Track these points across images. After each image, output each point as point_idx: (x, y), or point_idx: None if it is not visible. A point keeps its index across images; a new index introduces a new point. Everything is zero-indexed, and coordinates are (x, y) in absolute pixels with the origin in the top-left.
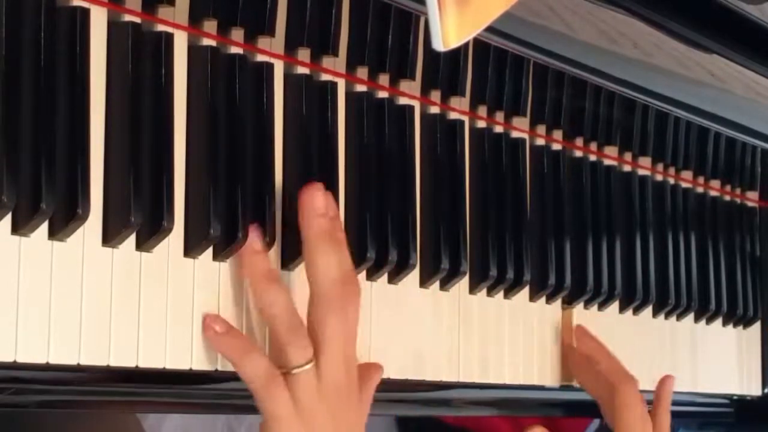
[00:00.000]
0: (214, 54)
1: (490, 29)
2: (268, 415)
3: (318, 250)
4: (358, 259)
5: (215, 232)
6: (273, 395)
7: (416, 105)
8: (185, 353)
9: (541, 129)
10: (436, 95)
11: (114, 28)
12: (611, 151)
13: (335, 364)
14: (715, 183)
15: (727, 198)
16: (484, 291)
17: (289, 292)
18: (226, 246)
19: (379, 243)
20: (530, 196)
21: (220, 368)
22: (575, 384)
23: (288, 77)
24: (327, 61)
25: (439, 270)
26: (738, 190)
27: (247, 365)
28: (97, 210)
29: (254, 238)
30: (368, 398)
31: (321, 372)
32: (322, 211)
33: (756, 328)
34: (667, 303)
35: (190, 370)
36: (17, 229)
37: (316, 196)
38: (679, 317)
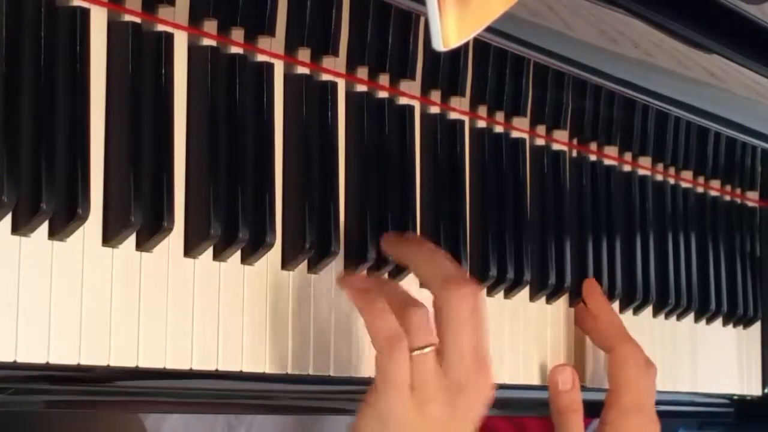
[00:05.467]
0: (214, 54)
1: (490, 29)
2: (385, 378)
3: (431, 254)
4: (358, 259)
5: (215, 232)
6: (396, 358)
7: (416, 105)
8: (185, 353)
9: (541, 129)
10: (436, 95)
11: (114, 28)
12: (611, 151)
13: (460, 355)
14: (715, 183)
15: (727, 198)
16: (484, 291)
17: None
18: (226, 246)
19: (380, 243)
20: (530, 195)
21: (220, 368)
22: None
23: (288, 77)
24: (327, 61)
25: None
26: (738, 190)
27: (376, 323)
28: (97, 210)
29: (355, 278)
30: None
31: (444, 361)
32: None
33: (756, 328)
34: (667, 303)
35: (190, 370)
36: (17, 229)
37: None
38: (679, 317)
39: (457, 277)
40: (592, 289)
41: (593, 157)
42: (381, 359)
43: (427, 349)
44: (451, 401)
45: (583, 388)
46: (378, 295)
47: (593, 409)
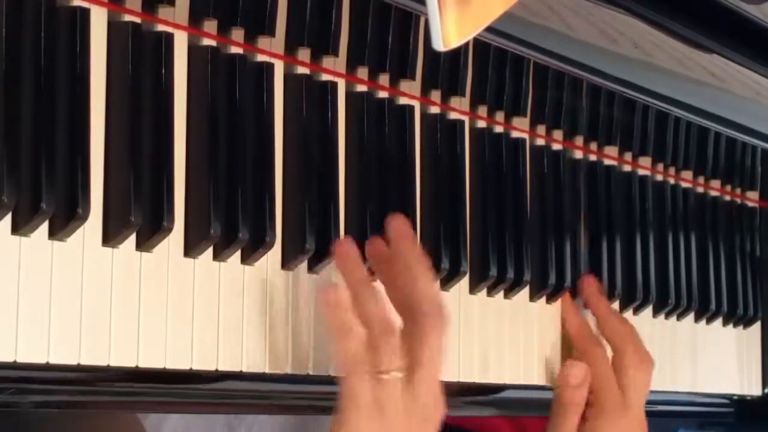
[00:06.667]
0: (214, 54)
1: (490, 29)
2: (348, 397)
3: (421, 272)
4: None
5: (215, 232)
6: (359, 380)
7: (416, 105)
8: (185, 353)
9: (541, 129)
10: (436, 95)
11: (114, 28)
12: (611, 151)
13: (429, 385)
14: (715, 183)
15: (727, 198)
16: (484, 291)
17: (382, 300)
18: (226, 246)
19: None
20: (530, 196)
21: (220, 368)
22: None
23: (288, 77)
24: (327, 61)
25: (439, 270)
26: (738, 190)
27: (345, 343)
28: (97, 210)
29: (352, 248)
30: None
31: (413, 388)
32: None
33: (756, 328)
34: (667, 303)
35: (190, 370)
36: (17, 229)
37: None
38: (680, 317)
39: (440, 307)
40: (565, 299)
41: (593, 157)
42: (345, 380)
43: (398, 373)
44: (418, 427)
45: None
46: (354, 308)
47: None
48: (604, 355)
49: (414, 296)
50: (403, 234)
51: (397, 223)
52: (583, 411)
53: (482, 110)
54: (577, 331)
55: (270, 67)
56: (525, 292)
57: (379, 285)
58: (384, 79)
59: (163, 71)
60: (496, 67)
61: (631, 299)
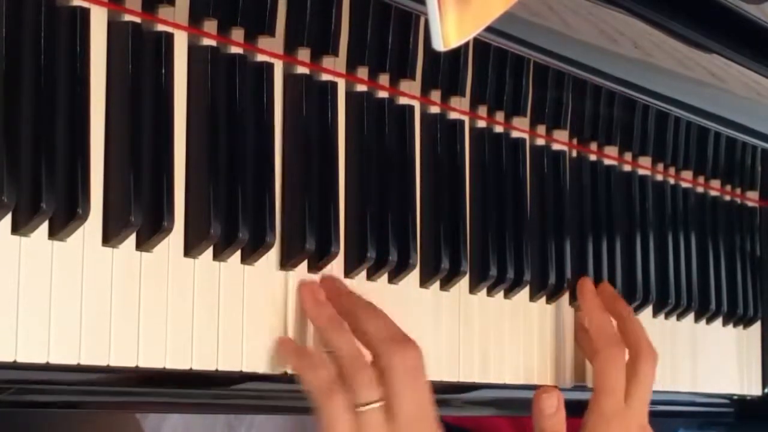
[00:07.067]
0: (214, 54)
1: (490, 29)
2: (332, 428)
3: (372, 316)
4: (358, 259)
5: (215, 232)
6: (338, 406)
7: (416, 105)
8: (185, 353)
9: (541, 129)
10: (436, 95)
11: (114, 28)
12: (611, 151)
13: (405, 403)
14: (715, 183)
15: (727, 198)
16: (485, 291)
17: (351, 335)
18: (226, 246)
19: (379, 243)
20: (530, 196)
21: (220, 368)
22: (573, 384)
23: (288, 77)
24: (327, 61)
25: (439, 270)
26: (738, 190)
27: (308, 374)
28: (97, 210)
29: (315, 290)
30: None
31: (393, 411)
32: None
33: (756, 328)
34: (667, 303)
35: (190, 370)
36: (17, 229)
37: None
38: (680, 317)
39: (400, 335)
40: (584, 290)
41: (593, 157)
42: (323, 411)
43: (375, 405)
44: None
45: (583, 389)
46: (324, 345)
47: None
48: (623, 357)
49: (369, 337)
50: (339, 292)
51: (327, 284)
52: (585, 415)
53: (482, 110)
54: (599, 328)
55: (270, 67)
56: (525, 292)
57: None
58: (384, 79)
59: (163, 71)
60: (496, 67)
61: (631, 299)
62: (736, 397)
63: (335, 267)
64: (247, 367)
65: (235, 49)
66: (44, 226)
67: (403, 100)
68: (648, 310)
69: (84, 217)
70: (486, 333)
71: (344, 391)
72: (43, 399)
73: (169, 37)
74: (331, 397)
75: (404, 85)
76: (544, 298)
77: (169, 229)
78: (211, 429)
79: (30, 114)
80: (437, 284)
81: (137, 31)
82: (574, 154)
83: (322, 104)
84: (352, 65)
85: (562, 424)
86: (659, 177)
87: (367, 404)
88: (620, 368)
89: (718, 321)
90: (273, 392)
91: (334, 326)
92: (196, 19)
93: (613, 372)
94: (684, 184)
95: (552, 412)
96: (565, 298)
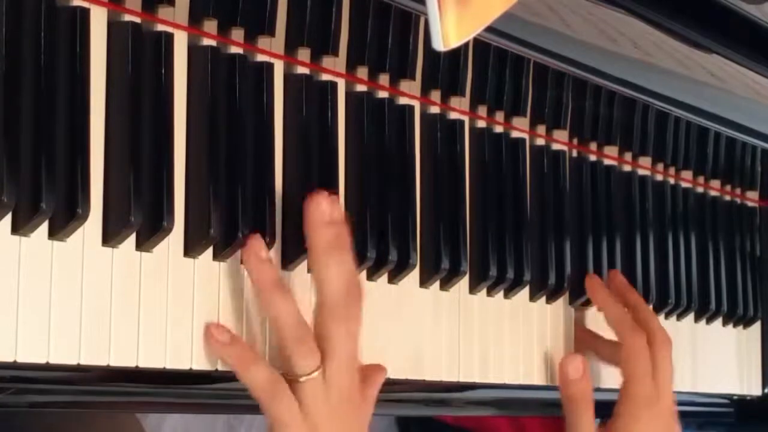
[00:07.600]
0: (214, 54)
1: (490, 29)
2: (275, 422)
3: (322, 261)
4: (358, 259)
5: (215, 232)
6: (278, 403)
7: (416, 105)
8: (185, 353)
9: (541, 129)
10: (436, 95)
11: (114, 28)
12: (611, 151)
13: (341, 371)
14: (715, 183)
15: (727, 198)
16: (484, 291)
17: (294, 300)
18: (226, 246)
19: (379, 243)
20: (530, 196)
21: (220, 368)
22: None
23: (288, 77)
24: (327, 61)
25: (439, 270)
26: (738, 190)
27: (250, 375)
28: (97, 210)
29: (258, 246)
30: (372, 400)
31: (327, 379)
32: (327, 219)
33: (756, 328)
34: (667, 303)
35: (190, 370)
36: (17, 229)
37: (321, 203)
38: (679, 317)
39: (339, 291)
40: (594, 286)
41: (593, 157)
42: (266, 409)
43: (315, 373)
44: (347, 414)
45: None
46: (265, 313)
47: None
48: (645, 344)
49: (318, 287)
50: (317, 217)
51: (311, 206)
52: (616, 404)
53: (482, 110)
54: (618, 319)
55: (270, 67)
56: (525, 292)
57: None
58: (384, 79)
59: (163, 71)
60: (496, 67)
61: None
62: (736, 397)
63: None
64: None
65: (235, 49)
66: (44, 226)
67: (403, 100)
68: None
69: (84, 217)
70: (486, 333)
71: (286, 368)
72: (43, 399)
73: (169, 37)
74: (274, 396)
75: (404, 85)
76: (544, 298)
77: (169, 229)
78: (211, 429)
79: (30, 114)
80: (437, 284)
81: (137, 31)
82: (574, 154)
83: (322, 104)
84: (352, 65)
85: (588, 390)
86: (659, 177)
87: (308, 374)
88: (646, 355)
89: (718, 321)
90: None
91: (276, 288)
92: (196, 19)
93: (641, 359)
94: (684, 184)
95: (578, 376)
96: (565, 298)
